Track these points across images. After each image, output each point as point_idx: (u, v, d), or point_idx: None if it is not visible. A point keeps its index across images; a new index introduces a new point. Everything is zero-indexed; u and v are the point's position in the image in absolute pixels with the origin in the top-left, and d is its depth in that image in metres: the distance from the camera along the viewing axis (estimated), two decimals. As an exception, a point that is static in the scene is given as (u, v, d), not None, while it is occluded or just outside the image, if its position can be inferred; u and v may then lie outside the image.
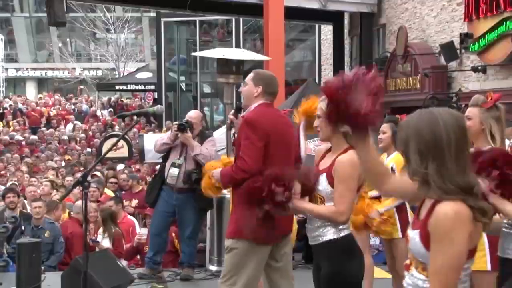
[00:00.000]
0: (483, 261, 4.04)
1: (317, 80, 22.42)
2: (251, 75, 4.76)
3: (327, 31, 22.23)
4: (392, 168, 5.68)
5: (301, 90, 9.91)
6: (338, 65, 19.98)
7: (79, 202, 9.21)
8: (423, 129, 2.41)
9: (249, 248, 4.50)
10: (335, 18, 19.74)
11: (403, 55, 15.98)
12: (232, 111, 5.17)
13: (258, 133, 4.51)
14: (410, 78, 15.72)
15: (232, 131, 5.31)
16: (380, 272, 6.86)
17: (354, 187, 3.69)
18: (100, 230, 8.71)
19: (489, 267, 4.04)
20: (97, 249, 8.23)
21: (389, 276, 6.15)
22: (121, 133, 12.37)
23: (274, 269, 4.71)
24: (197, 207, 7.20)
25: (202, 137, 7.32)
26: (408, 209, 5.67)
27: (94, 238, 8.53)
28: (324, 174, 3.79)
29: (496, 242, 3.73)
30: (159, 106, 4.70)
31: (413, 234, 2.48)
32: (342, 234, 3.74)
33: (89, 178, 11.83)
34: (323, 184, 3.78)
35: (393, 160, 5.67)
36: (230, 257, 4.58)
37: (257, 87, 4.68)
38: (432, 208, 2.39)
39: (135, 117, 5.16)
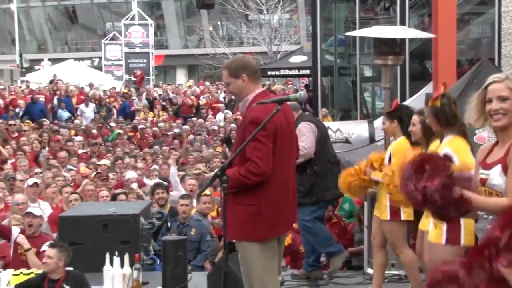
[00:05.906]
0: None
1: (496, 59, 21.47)
2: (225, 73, 4.91)
3: (508, 2, 21.22)
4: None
5: (474, 71, 9.52)
6: (520, 41, 19.01)
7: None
8: None
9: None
10: (517, -14, 18.79)
11: None
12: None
13: (266, 132, 4.59)
14: None
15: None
16: None
17: None
18: None
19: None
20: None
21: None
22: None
23: None
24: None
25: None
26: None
27: None
28: (498, 166, 3.56)
29: None
30: (301, 92, 4.70)
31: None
32: None
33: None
34: (497, 178, 3.55)
35: None
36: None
37: (241, 77, 4.84)
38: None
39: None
